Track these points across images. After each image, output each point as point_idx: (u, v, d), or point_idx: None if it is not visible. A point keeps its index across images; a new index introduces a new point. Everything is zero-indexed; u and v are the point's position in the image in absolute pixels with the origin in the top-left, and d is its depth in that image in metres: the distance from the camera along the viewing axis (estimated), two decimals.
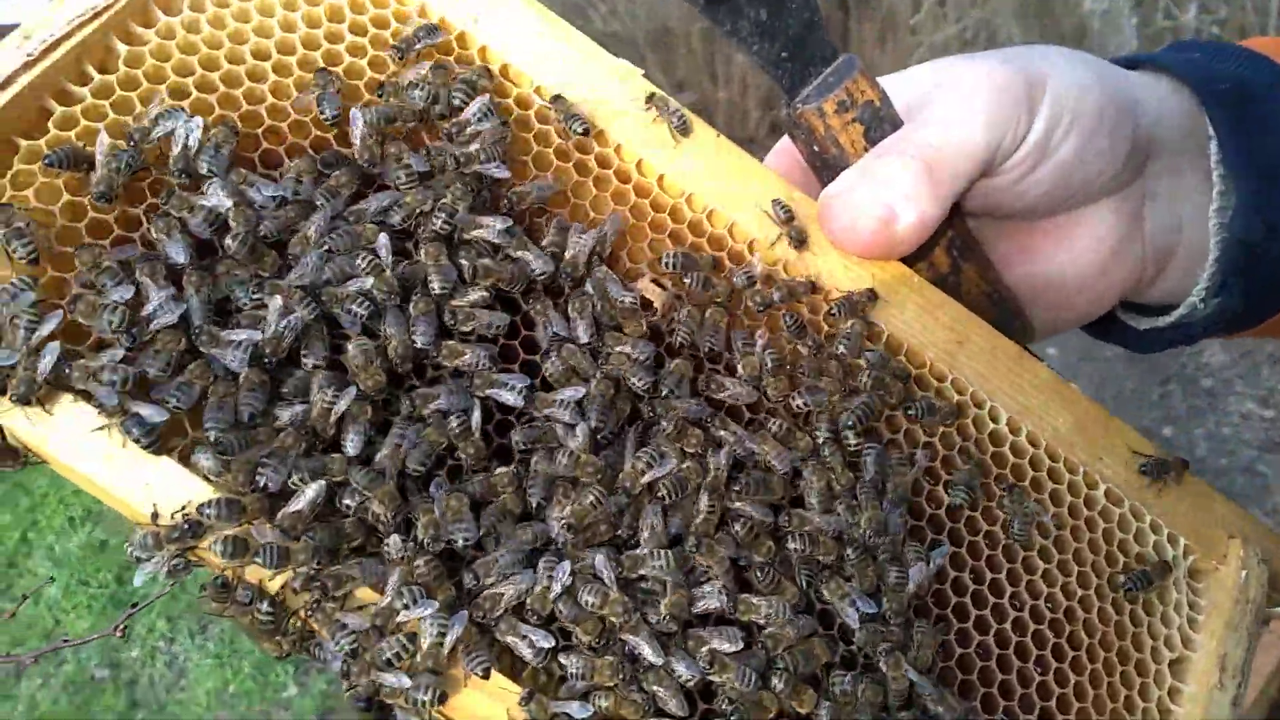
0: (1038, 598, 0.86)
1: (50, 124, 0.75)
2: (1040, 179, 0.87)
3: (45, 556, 4.14)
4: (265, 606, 0.72)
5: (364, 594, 0.73)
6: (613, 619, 0.73)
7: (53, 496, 4.46)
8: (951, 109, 0.84)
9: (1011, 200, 0.89)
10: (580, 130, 0.86)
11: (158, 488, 0.70)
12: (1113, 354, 4.37)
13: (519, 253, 0.82)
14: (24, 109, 0.74)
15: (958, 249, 0.94)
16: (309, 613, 0.73)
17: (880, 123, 0.89)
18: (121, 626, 0.90)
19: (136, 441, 0.70)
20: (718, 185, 0.89)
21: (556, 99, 0.88)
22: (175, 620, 3.81)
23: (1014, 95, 0.83)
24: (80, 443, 0.70)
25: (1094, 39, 4.33)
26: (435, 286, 0.80)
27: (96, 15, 0.75)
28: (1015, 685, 0.83)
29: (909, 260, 0.91)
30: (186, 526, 0.71)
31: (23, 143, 0.74)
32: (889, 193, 0.82)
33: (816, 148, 0.91)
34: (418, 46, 0.86)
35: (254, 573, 0.73)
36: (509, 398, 0.80)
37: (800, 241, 0.88)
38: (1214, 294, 0.94)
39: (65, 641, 0.89)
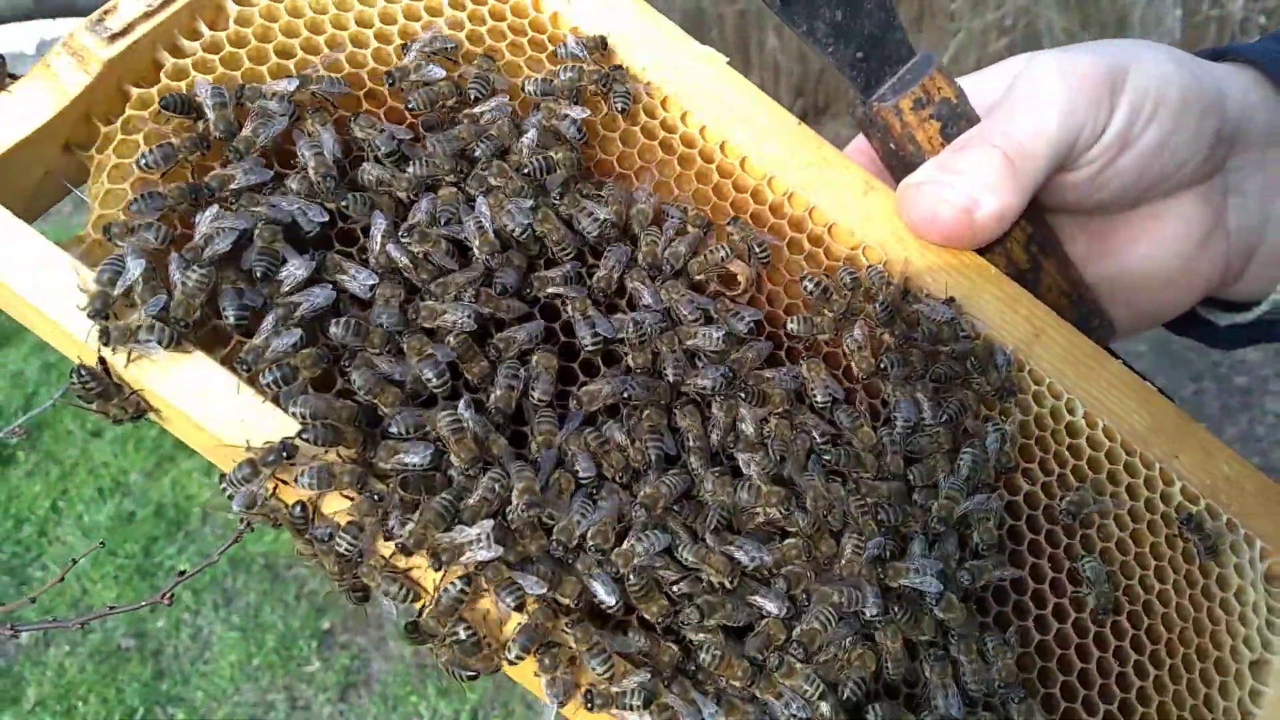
0: (1116, 589, 0.86)
1: (162, 74, 0.77)
2: (1122, 169, 0.86)
3: (74, 526, 4.18)
4: (347, 540, 0.72)
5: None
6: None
7: (82, 467, 4.51)
8: (1031, 101, 0.84)
9: (1093, 193, 0.88)
10: (620, 108, 0.87)
11: (252, 423, 0.71)
12: (1145, 348, 4.32)
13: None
14: (139, 58, 0.76)
15: (1037, 246, 0.94)
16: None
17: (957, 119, 0.89)
18: (169, 595, 0.90)
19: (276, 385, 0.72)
20: (798, 170, 0.89)
21: (617, 68, 0.88)
22: (200, 593, 3.84)
23: (1094, 86, 0.82)
24: (183, 384, 0.70)
25: (1135, 28, 4.26)
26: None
27: None
28: (1095, 675, 0.83)
29: (991, 255, 0.91)
30: (281, 448, 0.71)
31: (135, 90, 0.76)
32: (970, 182, 0.83)
33: (893, 145, 0.91)
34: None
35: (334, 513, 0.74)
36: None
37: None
38: None
39: (111, 609, 0.89)
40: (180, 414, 0.70)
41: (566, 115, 0.85)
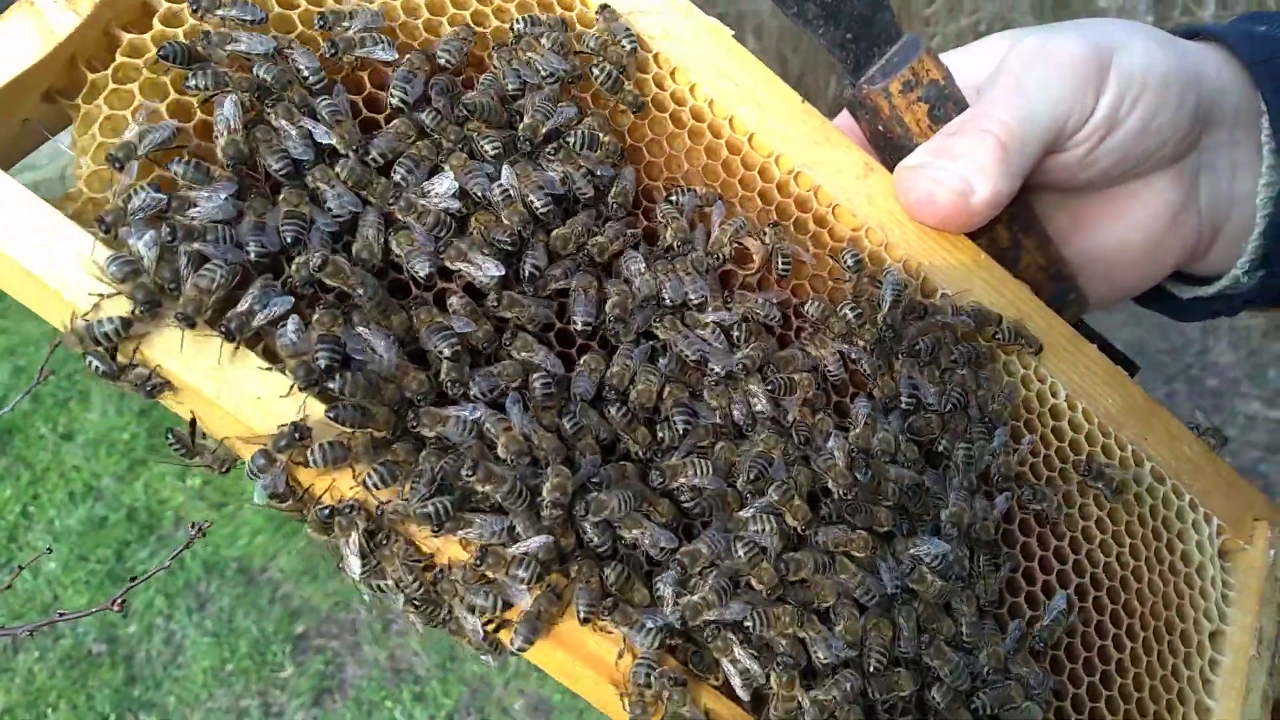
0: (1096, 566, 0.89)
1: (155, 20, 0.73)
2: (1109, 150, 0.88)
3: (45, 531, 4.13)
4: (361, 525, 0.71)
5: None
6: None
7: (54, 471, 4.46)
8: (1021, 87, 0.86)
9: (1080, 173, 0.91)
10: (629, 47, 0.86)
11: (268, 401, 0.70)
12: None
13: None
14: (129, 2, 0.71)
15: (1018, 225, 0.95)
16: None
17: (945, 101, 0.90)
18: (120, 601, 0.89)
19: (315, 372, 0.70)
20: (803, 149, 0.89)
21: (604, 8, 0.87)
22: (174, 597, 3.80)
23: (1083, 70, 0.84)
24: (196, 359, 0.69)
25: None
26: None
27: None
28: (1079, 648, 0.86)
29: (975, 233, 0.93)
30: (293, 431, 0.69)
31: (125, 35, 0.72)
32: (964, 167, 0.84)
33: (881, 127, 0.92)
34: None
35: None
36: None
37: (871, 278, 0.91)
38: (1257, 267, 0.96)
39: (61, 615, 0.87)
40: (202, 398, 0.69)
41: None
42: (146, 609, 3.75)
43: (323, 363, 0.69)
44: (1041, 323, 0.93)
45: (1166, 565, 0.92)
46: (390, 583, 0.73)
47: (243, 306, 0.69)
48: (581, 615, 0.72)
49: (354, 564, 0.71)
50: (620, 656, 0.73)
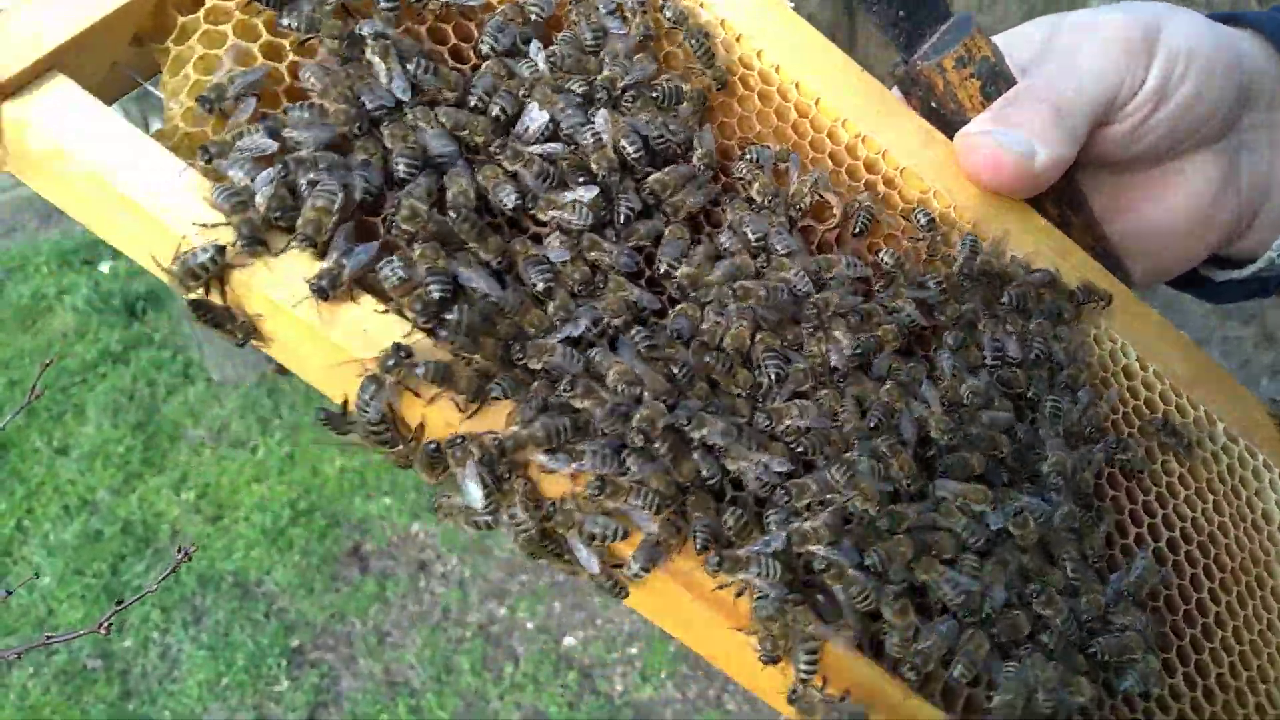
0: (1183, 521, 0.91)
1: None
2: (1158, 123, 0.90)
3: (40, 545, 4.13)
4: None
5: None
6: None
7: (49, 485, 4.45)
8: (1072, 59, 0.88)
9: (1128, 146, 0.92)
10: (704, 18, 0.89)
11: (374, 332, 0.68)
12: None
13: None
14: None
15: (1066, 203, 0.97)
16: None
17: (996, 78, 0.91)
18: (107, 624, 0.88)
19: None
20: (867, 115, 0.91)
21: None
22: (169, 611, 3.80)
23: (1132, 43, 0.87)
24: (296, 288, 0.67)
25: None
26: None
27: None
28: (1178, 601, 0.87)
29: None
30: (397, 350, 0.68)
31: None
32: (1025, 133, 0.86)
33: (934, 104, 0.94)
34: None
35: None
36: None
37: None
38: None
39: (49, 638, 0.86)
40: (300, 325, 0.67)
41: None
42: (142, 623, 3.75)
43: (435, 294, 0.69)
44: (1105, 285, 0.95)
45: (1249, 523, 0.94)
46: (505, 519, 0.71)
47: (328, 263, 0.68)
48: (699, 544, 0.70)
49: (475, 492, 0.69)
50: (740, 595, 0.70)
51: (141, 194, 0.62)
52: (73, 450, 4.67)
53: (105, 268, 6.29)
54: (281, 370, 0.71)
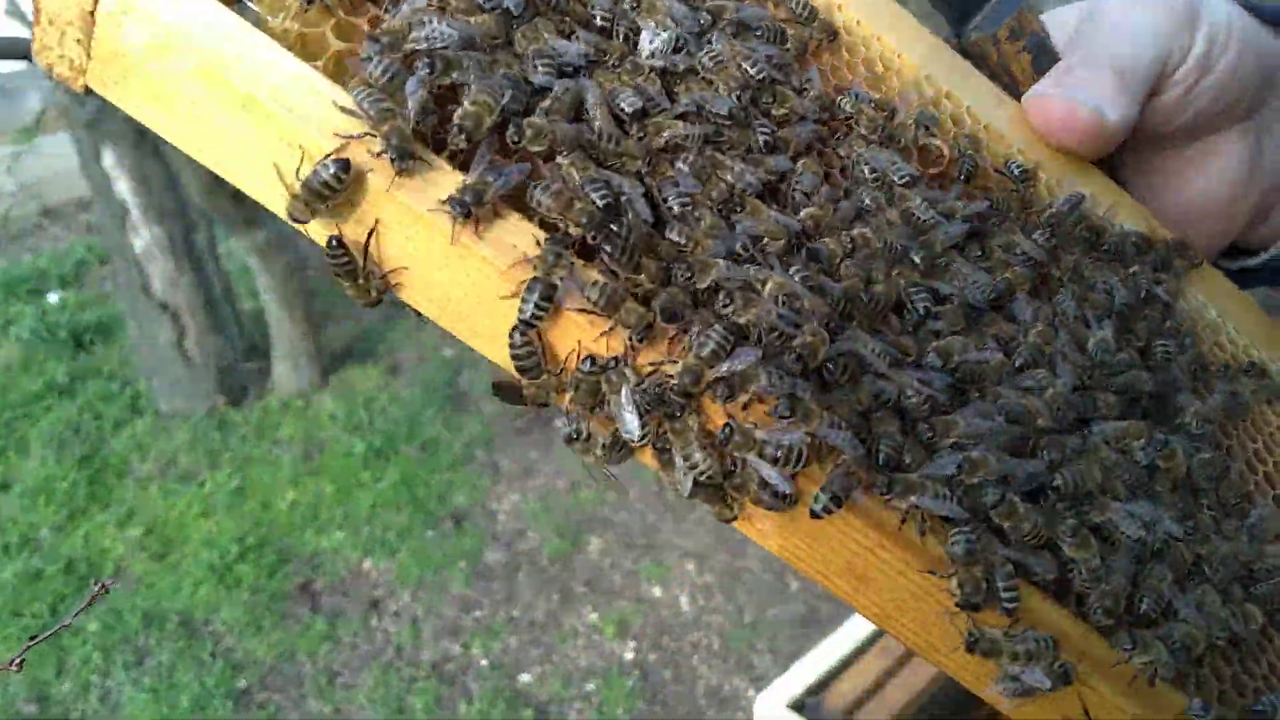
0: (1264, 463, 0.93)
1: None
2: (1204, 90, 0.92)
3: None
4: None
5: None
6: None
7: None
8: (1124, 26, 0.90)
9: (1173, 116, 0.94)
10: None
11: (525, 248, 0.64)
12: None
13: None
14: None
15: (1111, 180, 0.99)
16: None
17: (1045, 53, 0.93)
18: (19, 661, 0.82)
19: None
20: (946, 73, 0.92)
21: None
22: (110, 652, 3.68)
23: (1178, 10, 0.90)
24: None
25: None
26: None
27: None
28: None
29: None
30: (557, 242, 0.63)
31: None
32: (1093, 94, 0.87)
33: (988, 75, 0.95)
34: None
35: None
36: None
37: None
38: None
39: None
40: (442, 246, 0.61)
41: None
42: (82, 665, 3.63)
43: (599, 200, 0.65)
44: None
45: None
46: (680, 462, 0.66)
47: (472, 177, 0.63)
48: (882, 458, 0.66)
49: (631, 422, 0.64)
50: (924, 535, 0.66)
51: (264, 92, 0.55)
52: (14, 486, 4.53)
53: (54, 298, 6.16)
54: (419, 318, 0.67)
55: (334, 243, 0.63)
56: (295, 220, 0.63)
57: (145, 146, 4.40)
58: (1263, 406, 0.96)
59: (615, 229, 0.65)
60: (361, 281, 0.65)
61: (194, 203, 4.61)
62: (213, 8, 0.56)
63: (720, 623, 3.81)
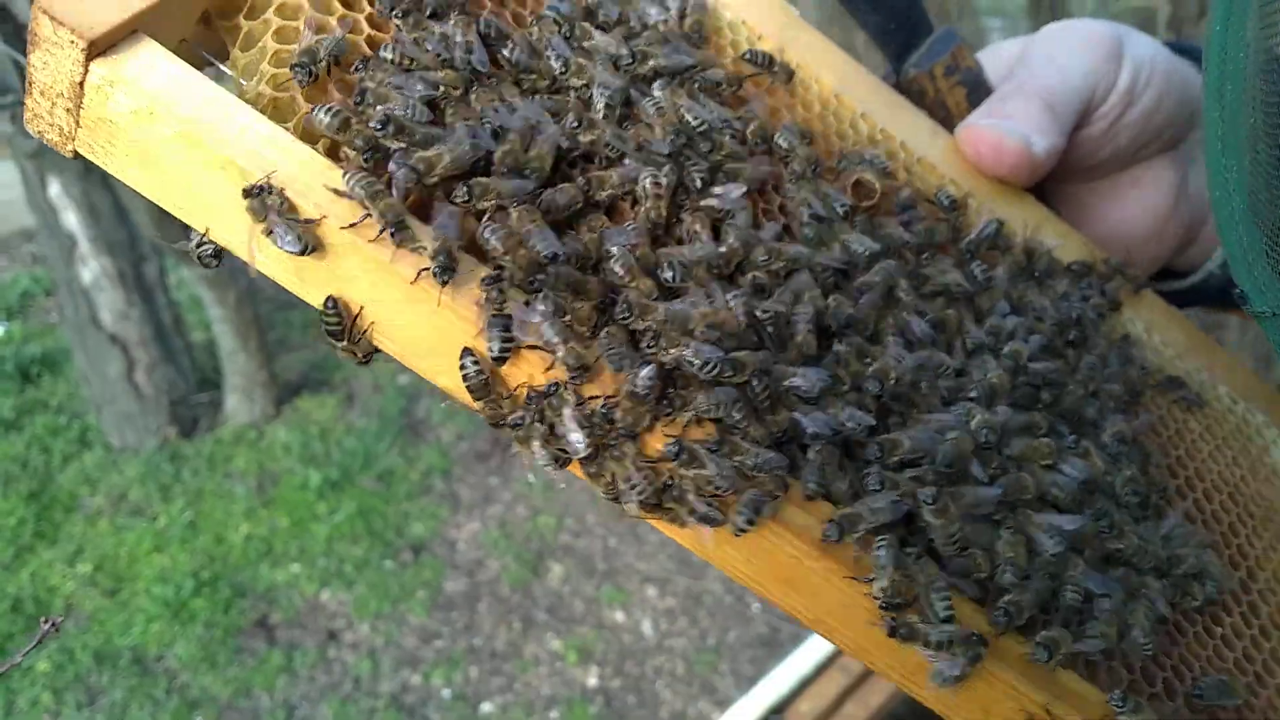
0: (1212, 473, 0.97)
1: None
2: (1128, 123, 0.97)
3: None
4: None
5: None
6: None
7: None
8: (1054, 57, 0.95)
9: (1100, 148, 0.99)
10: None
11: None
12: None
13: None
14: None
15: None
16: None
17: (979, 87, 0.99)
18: None
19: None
20: (882, 110, 0.96)
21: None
22: (61, 692, 3.60)
23: (1106, 48, 0.94)
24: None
25: None
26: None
27: None
28: (1221, 546, 0.91)
29: None
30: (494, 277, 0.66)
31: None
32: (1022, 125, 0.92)
33: (925, 109, 1.00)
34: None
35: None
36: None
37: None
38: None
39: None
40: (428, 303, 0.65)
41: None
42: (31, 707, 3.54)
43: (542, 249, 0.68)
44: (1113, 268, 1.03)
45: (1263, 477, 1.00)
46: (623, 487, 0.68)
47: (434, 243, 0.66)
48: (810, 489, 0.68)
49: (577, 440, 0.67)
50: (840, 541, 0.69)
51: (241, 155, 0.59)
52: None
53: None
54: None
55: (331, 304, 0.66)
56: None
57: (93, 177, 4.35)
58: (1186, 416, 0.99)
59: (546, 275, 0.68)
60: (347, 343, 0.67)
61: (143, 233, 4.56)
62: (192, 77, 0.60)
63: (683, 646, 3.81)
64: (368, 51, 0.74)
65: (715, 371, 0.68)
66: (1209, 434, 1.00)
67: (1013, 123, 0.92)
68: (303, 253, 0.63)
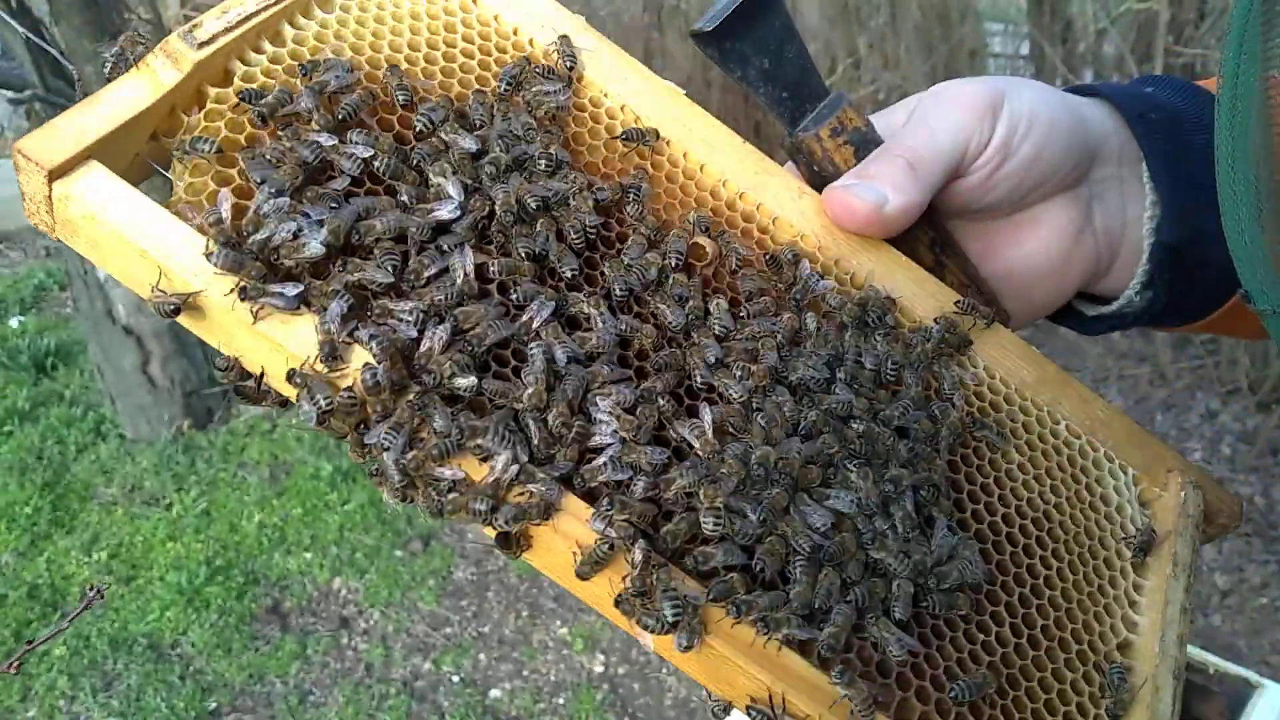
0: (1020, 500, 1.04)
1: (235, 78, 0.93)
2: (1006, 175, 1.04)
3: None
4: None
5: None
6: None
7: None
8: (926, 119, 1.03)
9: (983, 196, 1.06)
10: (569, 65, 1.02)
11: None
12: None
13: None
14: (216, 65, 0.91)
15: (939, 247, 1.12)
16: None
17: (867, 144, 1.07)
18: (16, 663, 0.89)
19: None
20: (746, 176, 1.07)
21: (563, 38, 1.04)
22: (77, 677, 3.67)
23: (979, 108, 1.02)
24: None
25: None
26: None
27: (279, 2, 0.96)
28: (1009, 565, 1.00)
29: (902, 255, 1.09)
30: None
31: (212, 90, 0.91)
32: (880, 184, 1.00)
33: (816, 168, 1.09)
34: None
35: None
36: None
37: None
38: (1145, 288, 1.13)
39: None
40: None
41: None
42: (48, 691, 3.61)
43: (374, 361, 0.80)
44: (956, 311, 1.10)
45: (1086, 504, 1.07)
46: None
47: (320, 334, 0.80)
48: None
49: (394, 476, 0.79)
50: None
51: (152, 246, 0.81)
52: None
53: (14, 323, 6.11)
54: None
55: (240, 390, 0.83)
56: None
57: None
58: (1007, 449, 1.06)
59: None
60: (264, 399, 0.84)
61: None
62: (123, 191, 0.82)
63: None
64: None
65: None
66: (1030, 465, 1.07)
67: (870, 183, 1.00)
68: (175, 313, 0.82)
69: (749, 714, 0.80)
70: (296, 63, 0.96)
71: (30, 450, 4.84)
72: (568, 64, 1.02)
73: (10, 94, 3.34)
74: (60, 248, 6.06)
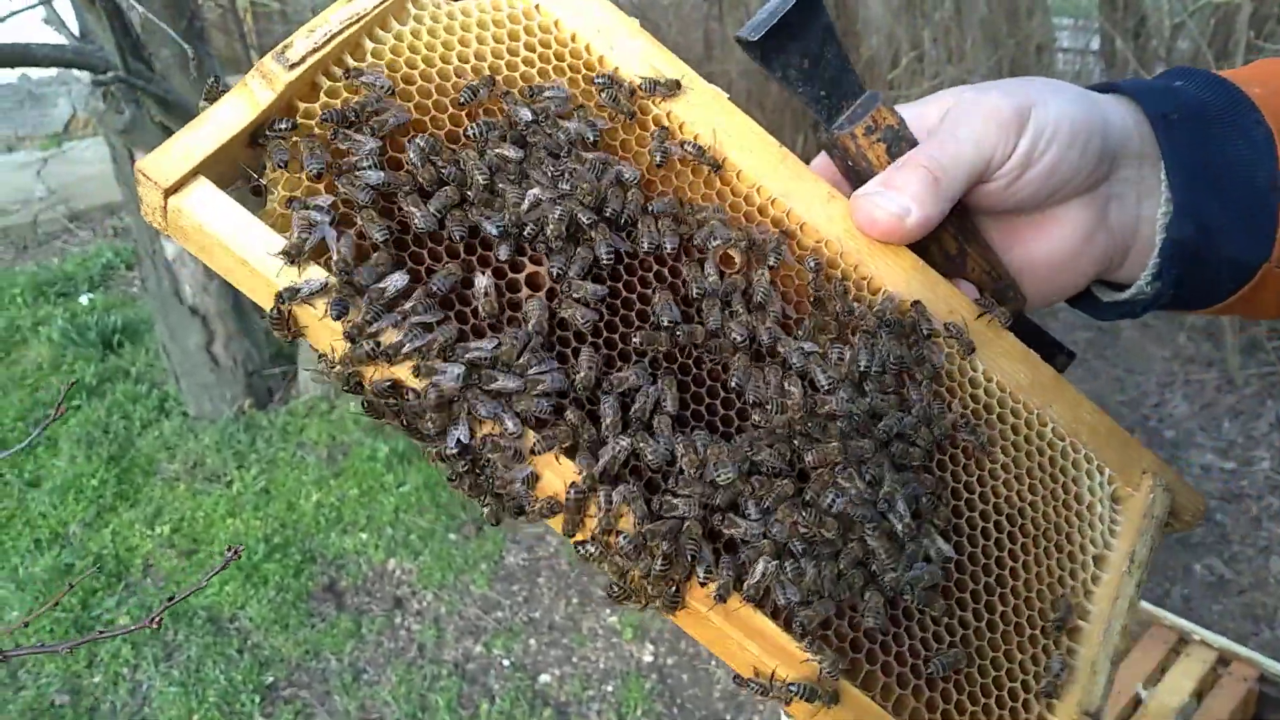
0: (999, 497, 1.13)
1: (321, 93, 1.00)
2: (1027, 182, 1.11)
3: (9, 579, 4.09)
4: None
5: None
6: None
7: (19, 518, 4.42)
8: (955, 131, 1.09)
9: (1004, 199, 1.14)
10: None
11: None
12: None
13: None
14: (305, 81, 0.99)
15: (963, 235, 1.19)
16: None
17: (899, 141, 1.13)
18: (158, 619, 0.97)
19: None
20: (779, 182, 1.13)
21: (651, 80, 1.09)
22: (140, 647, 3.77)
23: (1004, 121, 1.08)
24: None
25: None
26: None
27: (359, 19, 1.03)
28: (979, 555, 1.09)
29: (928, 243, 1.16)
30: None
31: (301, 105, 0.99)
32: (903, 195, 1.07)
33: (850, 163, 1.16)
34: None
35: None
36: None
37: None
38: (1155, 279, 1.20)
39: (101, 633, 0.94)
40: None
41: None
42: (112, 659, 3.72)
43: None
44: (968, 314, 1.17)
45: (1060, 501, 1.17)
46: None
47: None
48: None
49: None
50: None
51: (251, 256, 0.92)
52: (44, 483, 4.63)
53: (84, 300, 6.28)
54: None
55: (370, 405, 0.91)
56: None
57: None
58: (993, 450, 1.14)
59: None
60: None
61: None
62: (226, 205, 0.92)
63: None
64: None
65: None
66: (1013, 465, 1.14)
67: (895, 195, 1.07)
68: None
69: (735, 682, 0.92)
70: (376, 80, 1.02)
71: (97, 424, 4.97)
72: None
73: (92, 75, 3.41)
74: (128, 228, 6.21)
